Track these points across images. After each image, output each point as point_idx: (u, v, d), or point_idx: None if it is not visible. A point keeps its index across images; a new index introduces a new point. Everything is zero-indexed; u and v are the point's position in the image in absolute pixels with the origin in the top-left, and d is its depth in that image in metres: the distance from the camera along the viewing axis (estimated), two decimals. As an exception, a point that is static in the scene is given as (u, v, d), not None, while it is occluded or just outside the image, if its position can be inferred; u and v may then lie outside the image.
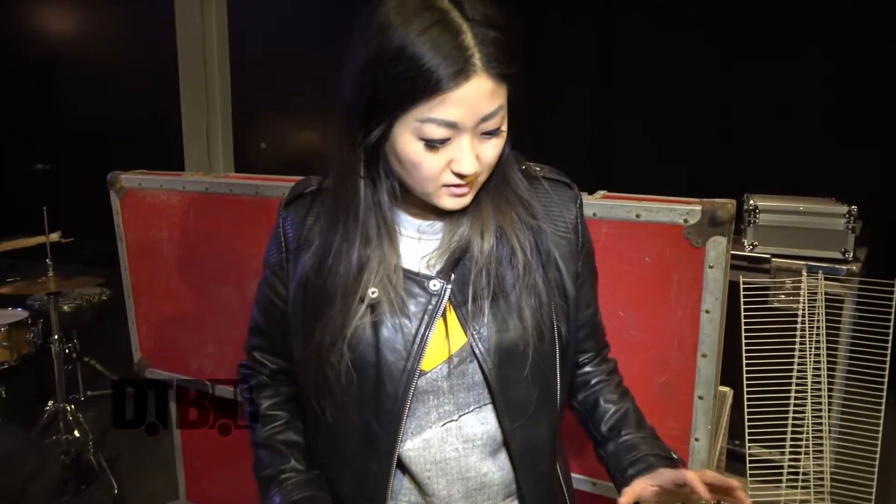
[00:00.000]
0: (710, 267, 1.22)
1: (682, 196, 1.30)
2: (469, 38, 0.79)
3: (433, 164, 0.84)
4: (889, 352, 2.46)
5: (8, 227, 3.96)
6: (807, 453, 2.58)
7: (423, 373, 0.92)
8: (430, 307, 0.91)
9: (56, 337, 2.75)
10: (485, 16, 0.81)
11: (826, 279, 2.61)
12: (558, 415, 1.01)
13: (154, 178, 1.87)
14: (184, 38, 3.63)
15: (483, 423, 0.94)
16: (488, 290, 0.91)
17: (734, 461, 2.86)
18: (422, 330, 0.91)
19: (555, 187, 1.01)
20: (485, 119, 0.83)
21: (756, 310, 2.54)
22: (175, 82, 3.79)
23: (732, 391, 1.94)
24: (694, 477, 0.88)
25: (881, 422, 2.48)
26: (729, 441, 2.90)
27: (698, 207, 1.22)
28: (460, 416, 0.94)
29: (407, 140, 0.83)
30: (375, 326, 0.90)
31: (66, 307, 3.38)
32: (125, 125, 5.98)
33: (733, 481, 0.88)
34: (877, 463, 2.48)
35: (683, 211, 1.23)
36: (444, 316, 0.92)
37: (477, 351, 0.91)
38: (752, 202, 2.90)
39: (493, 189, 0.94)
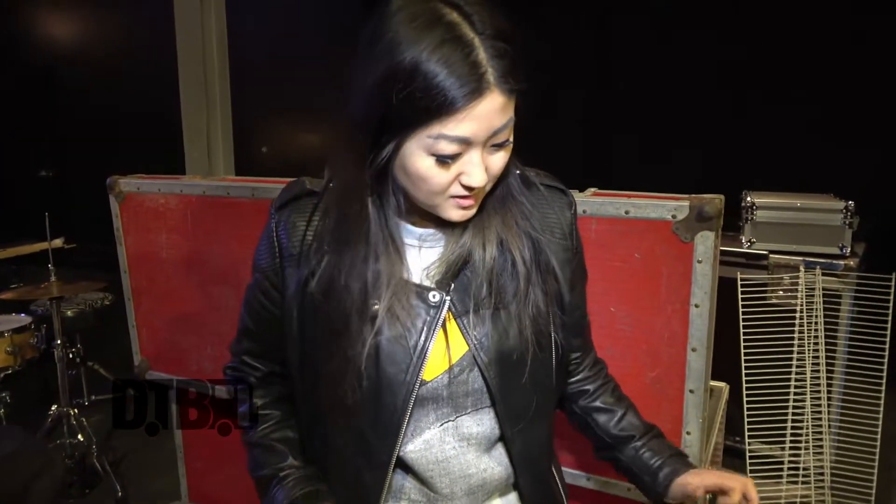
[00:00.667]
0: (699, 261, 1.23)
1: (682, 194, 1.31)
2: (481, 54, 0.78)
3: (443, 179, 0.84)
4: (888, 346, 2.46)
5: (12, 234, 4.00)
6: (807, 449, 2.58)
7: (424, 382, 0.92)
8: (429, 318, 0.91)
9: (59, 342, 2.77)
10: (495, 28, 0.80)
11: (824, 274, 2.62)
12: (553, 416, 1.04)
13: (152, 182, 1.89)
14: (183, 41, 3.66)
15: (479, 423, 0.96)
16: (490, 301, 0.92)
17: (734, 457, 2.87)
18: (422, 342, 0.91)
19: (551, 194, 1.01)
20: (496, 132, 0.82)
21: (754, 306, 2.54)
22: (178, 86, 3.82)
23: (728, 386, 1.95)
24: (740, 488, 0.94)
25: (880, 416, 2.48)
26: (729, 437, 2.91)
27: (686, 203, 1.23)
28: (457, 416, 0.95)
29: (418, 156, 0.82)
30: (375, 339, 0.90)
31: (69, 312, 3.40)
32: (128, 130, 6.03)
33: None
34: (877, 457, 2.48)
35: (672, 207, 1.24)
36: (444, 326, 0.92)
37: (478, 360, 0.92)
38: (749, 199, 2.90)
39: (497, 199, 0.93)
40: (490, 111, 0.80)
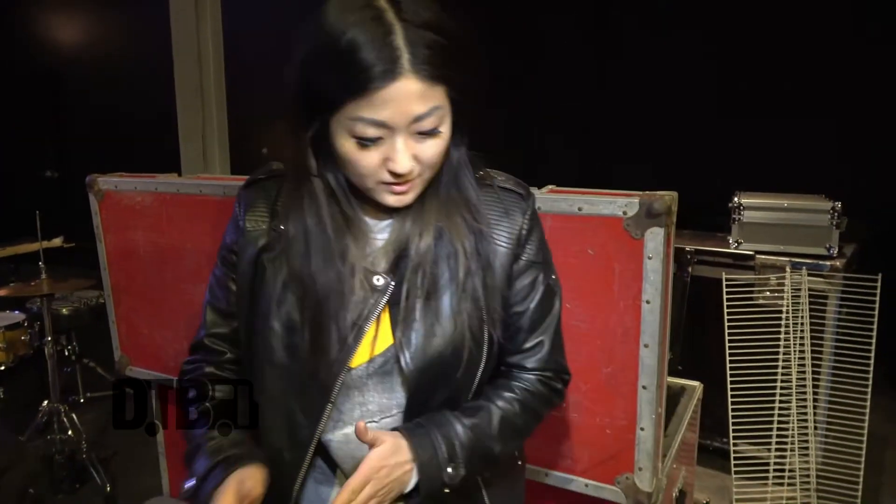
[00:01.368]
0: (649, 258, 1.23)
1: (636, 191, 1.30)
2: (399, 39, 0.80)
3: (367, 162, 0.86)
4: (874, 347, 2.45)
5: (13, 233, 4.05)
6: (792, 450, 2.56)
7: (349, 368, 0.93)
8: (370, 301, 0.92)
9: (49, 338, 2.81)
10: (421, 17, 0.81)
11: (810, 275, 2.60)
12: None
13: (130, 180, 1.92)
14: (179, 41, 3.69)
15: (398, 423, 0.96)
16: (422, 290, 0.92)
17: (720, 458, 2.86)
18: (360, 323, 0.92)
19: (505, 195, 1.00)
20: (417, 119, 0.83)
21: (740, 307, 2.54)
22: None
23: (702, 385, 1.95)
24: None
25: (867, 417, 2.47)
26: (714, 438, 2.90)
27: (636, 200, 1.24)
28: (382, 418, 0.95)
29: (341, 137, 0.85)
30: (315, 314, 0.91)
31: (64, 310, 3.45)
32: (129, 131, 6.10)
33: None
34: (863, 459, 2.47)
35: (622, 203, 1.25)
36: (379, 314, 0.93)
37: (400, 355, 0.92)
38: (736, 199, 2.89)
39: (441, 189, 0.95)
40: (406, 95, 0.81)
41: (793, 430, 2.57)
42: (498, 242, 0.97)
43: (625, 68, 4.46)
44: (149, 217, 1.90)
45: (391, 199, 0.90)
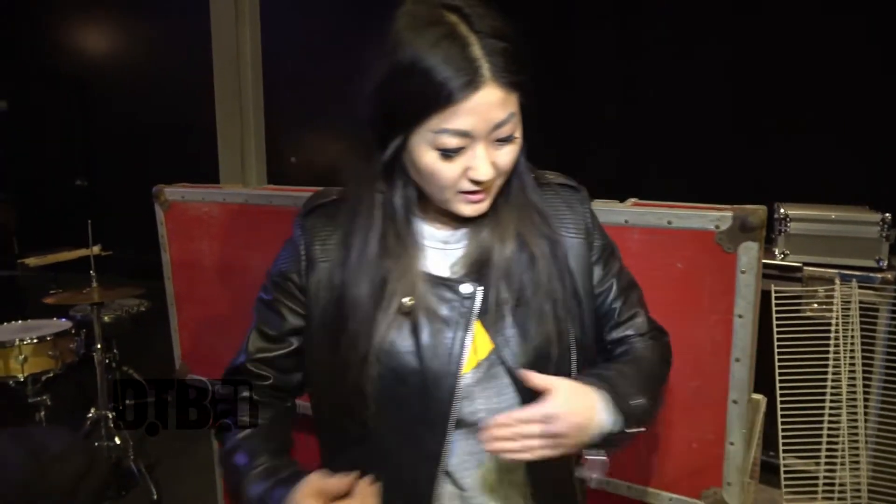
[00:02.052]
0: (742, 272, 1.23)
1: (724, 205, 1.31)
2: (477, 50, 0.83)
3: (449, 173, 0.88)
4: (925, 360, 2.43)
5: (49, 242, 4.09)
6: (843, 464, 2.54)
7: (460, 377, 0.93)
8: (464, 310, 0.93)
9: (98, 346, 2.84)
10: (491, 27, 0.85)
11: (860, 287, 2.59)
12: None
13: (196, 190, 1.94)
14: (219, 55, 3.73)
15: None
16: (511, 297, 0.94)
17: (769, 472, 2.83)
18: (460, 333, 0.93)
19: (562, 191, 1.05)
20: (497, 126, 0.86)
21: (788, 319, 2.52)
22: (209, 97, 3.90)
23: (766, 398, 1.93)
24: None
25: (919, 432, 2.44)
26: (763, 452, 2.87)
27: (729, 213, 1.24)
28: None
29: (423, 151, 0.87)
30: (414, 333, 0.92)
31: (106, 318, 3.47)
32: (160, 140, 6.14)
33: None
34: (915, 474, 2.44)
35: (715, 217, 1.25)
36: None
37: (504, 356, 0.94)
38: (782, 211, 2.88)
39: (512, 196, 0.97)
40: (487, 104, 0.84)
41: (843, 444, 2.54)
42: (570, 235, 1.01)
43: (658, 82, 4.46)
44: (214, 227, 1.92)
45: (468, 210, 0.92)
